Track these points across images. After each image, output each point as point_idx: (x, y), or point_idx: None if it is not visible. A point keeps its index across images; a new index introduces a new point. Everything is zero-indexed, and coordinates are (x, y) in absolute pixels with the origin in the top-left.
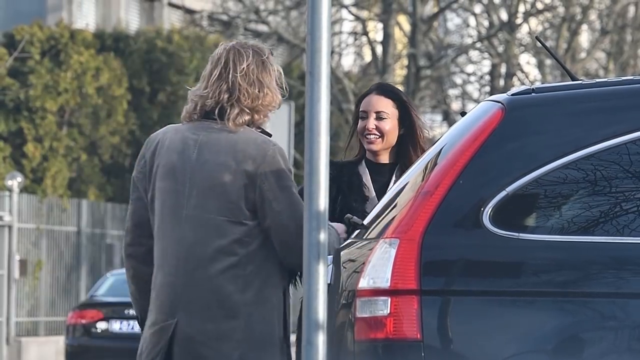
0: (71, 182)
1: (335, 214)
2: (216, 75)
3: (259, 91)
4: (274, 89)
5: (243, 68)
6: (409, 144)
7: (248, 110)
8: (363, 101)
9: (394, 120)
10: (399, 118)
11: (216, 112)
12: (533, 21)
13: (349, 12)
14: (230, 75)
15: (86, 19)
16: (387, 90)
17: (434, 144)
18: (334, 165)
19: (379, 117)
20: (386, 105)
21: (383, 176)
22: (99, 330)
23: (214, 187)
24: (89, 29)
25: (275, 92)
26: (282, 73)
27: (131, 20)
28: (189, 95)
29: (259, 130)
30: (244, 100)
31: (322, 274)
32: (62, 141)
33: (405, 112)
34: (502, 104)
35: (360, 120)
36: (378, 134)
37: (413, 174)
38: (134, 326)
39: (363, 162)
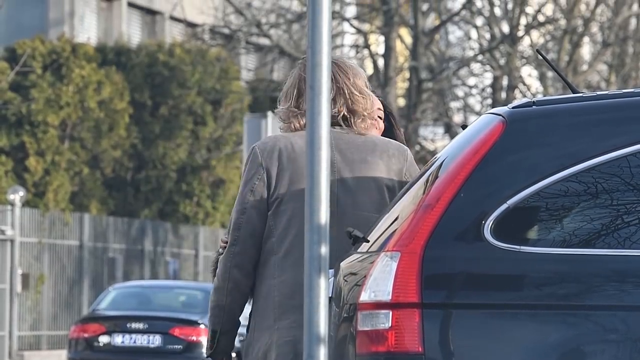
0: (73, 195)
1: None
2: (285, 95)
3: (365, 100)
4: (369, 92)
5: (350, 79)
6: None
7: (364, 115)
8: None
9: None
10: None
11: (340, 119)
12: (534, 34)
13: (351, 25)
14: (343, 87)
15: (88, 33)
16: (383, 104)
17: (435, 156)
18: None
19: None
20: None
21: None
22: (101, 344)
23: (362, 184)
24: (91, 42)
25: (374, 97)
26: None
27: (133, 34)
28: (284, 114)
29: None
30: (360, 109)
31: (324, 287)
32: (64, 155)
33: (390, 126)
34: (503, 116)
35: None
36: None
37: (414, 187)
38: (135, 340)
39: None
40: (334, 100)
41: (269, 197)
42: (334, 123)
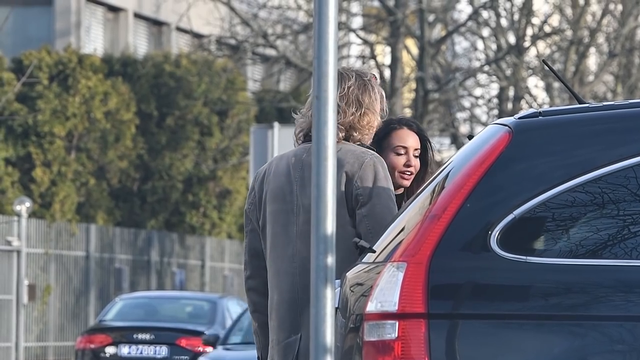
0: (79, 206)
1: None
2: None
3: (356, 110)
4: (374, 110)
5: (343, 89)
6: (419, 176)
7: (343, 127)
8: (398, 136)
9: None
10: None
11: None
12: (541, 44)
13: (357, 35)
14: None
15: (94, 44)
16: (418, 128)
17: (442, 167)
18: None
19: (415, 155)
20: (417, 142)
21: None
22: (107, 355)
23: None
24: (97, 53)
25: (375, 113)
26: (384, 96)
27: (139, 44)
28: (297, 119)
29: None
30: (339, 119)
31: (330, 297)
32: (70, 166)
33: (424, 149)
34: (509, 127)
35: (395, 155)
36: (414, 171)
37: (421, 198)
38: (142, 350)
39: None
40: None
41: (258, 221)
42: (309, 136)
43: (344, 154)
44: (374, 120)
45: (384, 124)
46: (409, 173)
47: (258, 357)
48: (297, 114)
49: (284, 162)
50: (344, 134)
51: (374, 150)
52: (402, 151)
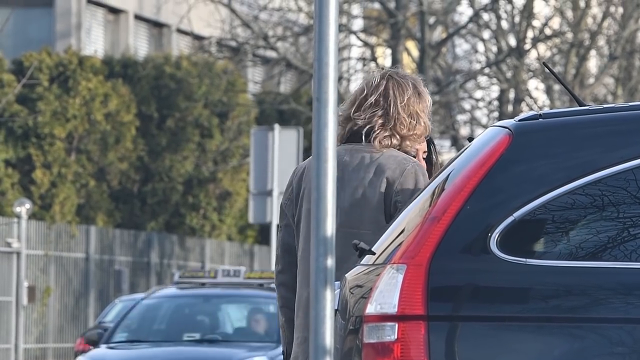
0: (79, 208)
1: None
2: (372, 102)
3: (415, 122)
4: (426, 119)
5: (404, 99)
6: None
7: (399, 137)
8: None
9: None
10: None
11: (363, 133)
12: (541, 47)
13: (358, 38)
14: (391, 105)
15: (95, 45)
16: None
17: (442, 169)
18: None
19: (422, 158)
20: (425, 146)
21: None
22: None
23: (356, 203)
24: (98, 55)
25: (427, 123)
26: (431, 104)
27: (140, 46)
28: (338, 117)
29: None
30: (400, 129)
31: (330, 299)
32: (70, 167)
33: (429, 151)
34: (509, 129)
35: None
36: None
37: (421, 200)
38: None
39: None
40: (372, 113)
41: (293, 217)
42: (353, 134)
43: (386, 159)
44: (427, 131)
45: None
46: None
47: (283, 352)
48: (339, 113)
49: None
50: (398, 142)
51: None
52: (413, 154)
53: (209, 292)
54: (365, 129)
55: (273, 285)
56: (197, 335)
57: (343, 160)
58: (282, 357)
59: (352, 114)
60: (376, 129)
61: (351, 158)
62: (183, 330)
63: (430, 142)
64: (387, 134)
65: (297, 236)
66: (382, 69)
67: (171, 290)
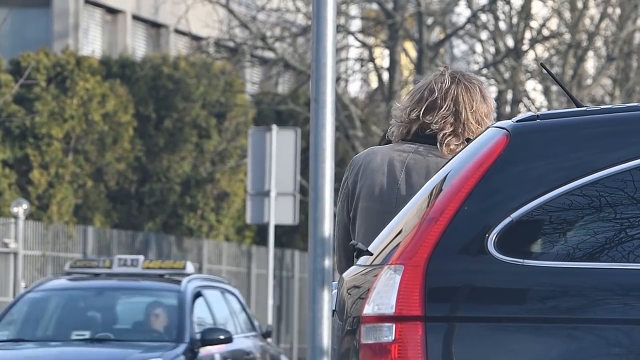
0: (77, 208)
1: None
2: (443, 106)
3: (481, 127)
4: (489, 123)
5: (473, 106)
6: None
7: (465, 142)
8: None
9: None
10: None
11: (439, 137)
12: (539, 48)
13: (356, 38)
14: (461, 111)
15: (92, 45)
16: None
17: (439, 170)
18: None
19: None
20: None
21: None
22: None
23: None
24: (95, 55)
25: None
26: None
27: (137, 46)
28: (397, 114)
29: None
30: (468, 134)
31: (327, 300)
32: (67, 168)
33: None
34: (507, 130)
35: None
36: None
37: (418, 200)
38: None
39: None
40: (443, 118)
41: (348, 212)
42: (424, 136)
43: None
44: None
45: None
46: None
47: None
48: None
49: (379, 159)
50: (464, 147)
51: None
52: None
53: (103, 284)
54: (436, 132)
55: (175, 277)
56: (87, 334)
57: (407, 162)
58: (182, 357)
59: (421, 115)
60: (447, 134)
61: (414, 160)
62: (72, 328)
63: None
64: (458, 141)
65: (352, 233)
66: (446, 67)
67: (61, 281)
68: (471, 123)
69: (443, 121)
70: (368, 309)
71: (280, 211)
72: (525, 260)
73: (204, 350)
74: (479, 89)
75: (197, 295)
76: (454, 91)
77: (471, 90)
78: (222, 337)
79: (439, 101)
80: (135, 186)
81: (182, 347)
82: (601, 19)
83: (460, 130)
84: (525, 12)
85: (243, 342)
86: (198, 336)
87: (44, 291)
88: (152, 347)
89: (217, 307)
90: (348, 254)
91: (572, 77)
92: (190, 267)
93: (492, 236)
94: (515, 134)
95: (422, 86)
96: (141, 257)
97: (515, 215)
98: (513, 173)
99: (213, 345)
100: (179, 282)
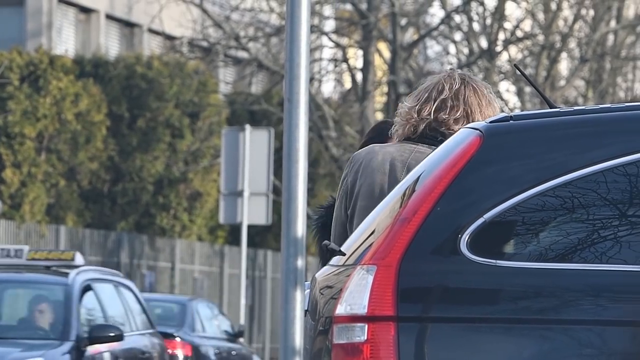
0: (49, 208)
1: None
2: (454, 106)
3: None
4: None
5: (481, 108)
6: None
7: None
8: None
9: None
10: None
11: (433, 135)
12: (513, 49)
13: (329, 39)
14: (471, 113)
15: (65, 45)
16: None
17: (413, 170)
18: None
19: None
20: None
21: None
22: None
23: None
24: (69, 55)
25: None
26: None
27: (111, 46)
28: (403, 113)
29: None
30: None
31: (299, 300)
32: (40, 167)
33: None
34: (480, 131)
35: None
36: None
37: (391, 201)
38: None
39: None
40: (455, 120)
41: (346, 209)
42: (429, 137)
43: None
44: None
45: (381, 127)
46: None
47: None
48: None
49: (380, 158)
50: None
51: None
52: None
53: None
54: (445, 132)
55: (63, 269)
56: None
57: (408, 163)
58: (67, 356)
59: (432, 113)
60: (449, 133)
61: (413, 160)
62: None
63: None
64: None
65: (350, 231)
66: (452, 69)
67: None
68: None
69: (453, 121)
70: (340, 309)
71: (253, 211)
72: (498, 261)
73: (92, 349)
74: (487, 91)
75: (87, 289)
76: (464, 92)
77: (479, 93)
78: (112, 334)
79: (449, 101)
80: (108, 185)
81: (67, 346)
82: (574, 20)
83: None
84: (499, 14)
85: (138, 340)
86: (85, 334)
87: None
88: (34, 346)
89: (110, 302)
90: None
91: (546, 79)
92: (79, 258)
93: (465, 237)
94: (489, 135)
95: (429, 86)
96: (26, 247)
97: (488, 215)
98: (486, 174)
99: (102, 344)
100: (66, 275)
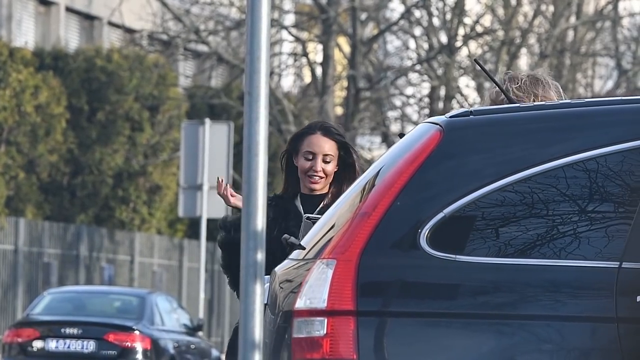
0: (9, 200)
1: (271, 236)
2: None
3: None
4: None
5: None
6: (345, 180)
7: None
8: (309, 141)
9: (335, 161)
10: (338, 158)
11: None
12: (472, 44)
13: (289, 33)
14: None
15: (25, 37)
16: (332, 133)
17: (373, 165)
18: (272, 199)
19: (325, 160)
20: (331, 148)
21: (315, 205)
22: (35, 349)
23: None
24: (28, 47)
25: None
26: None
27: (71, 38)
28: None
29: None
30: None
31: (259, 294)
32: (0, 159)
33: (346, 153)
34: (440, 125)
35: (304, 160)
36: (323, 175)
37: (351, 195)
38: (70, 345)
39: (298, 197)
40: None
41: None
42: None
43: None
44: None
45: (304, 127)
46: (316, 177)
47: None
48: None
49: None
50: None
51: None
52: (310, 156)
53: None
54: None
55: None
56: None
57: None
58: None
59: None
60: None
61: None
62: None
63: (345, 144)
64: None
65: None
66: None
67: None
68: None
69: None
70: (300, 303)
71: (212, 205)
72: (457, 256)
73: None
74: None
75: None
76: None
77: (544, 84)
78: None
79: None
80: (67, 178)
81: None
82: (534, 16)
83: None
84: (459, 9)
85: None
86: None
87: None
88: None
89: None
90: None
91: (505, 74)
92: None
93: (425, 231)
94: (449, 130)
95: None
96: None
97: (447, 210)
98: (446, 169)
99: None
100: None
